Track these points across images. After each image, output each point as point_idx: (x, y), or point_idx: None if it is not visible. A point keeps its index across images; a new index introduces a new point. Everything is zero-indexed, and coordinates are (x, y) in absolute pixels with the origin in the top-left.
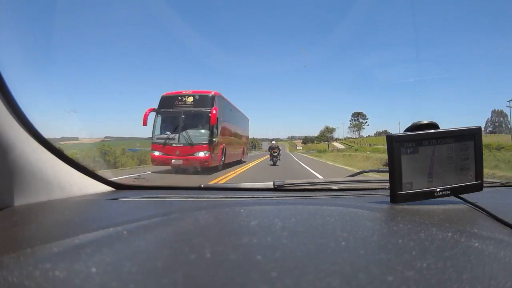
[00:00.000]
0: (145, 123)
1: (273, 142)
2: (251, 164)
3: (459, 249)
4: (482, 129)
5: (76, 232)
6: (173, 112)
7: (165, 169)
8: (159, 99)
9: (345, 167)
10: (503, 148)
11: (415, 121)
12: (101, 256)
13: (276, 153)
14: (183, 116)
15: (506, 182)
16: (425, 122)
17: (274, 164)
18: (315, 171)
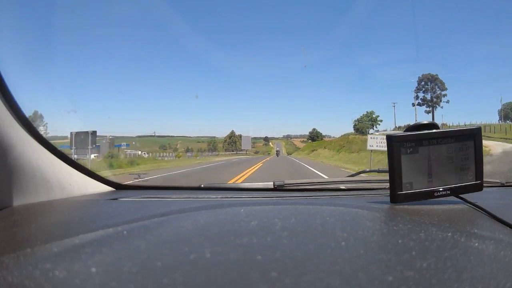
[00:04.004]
0: None
1: (277, 149)
2: None
3: (459, 249)
4: None
5: (76, 232)
6: None
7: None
8: None
9: None
10: None
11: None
12: (101, 256)
13: (279, 153)
14: None
15: (506, 182)
16: (425, 122)
17: (277, 156)
18: None
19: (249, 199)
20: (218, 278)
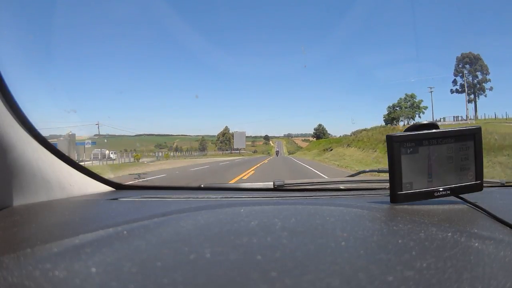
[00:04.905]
0: None
1: (277, 149)
2: None
3: (459, 249)
4: None
5: (76, 232)
6: None
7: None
8: None
9: None
10: None
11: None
12: (101, 256)
13: (278, 153)
14: None
15: (506, 182)
16: (425, 122)
17: (277, 156)
18: None
19: (249, 199)
20: (218, 278)
